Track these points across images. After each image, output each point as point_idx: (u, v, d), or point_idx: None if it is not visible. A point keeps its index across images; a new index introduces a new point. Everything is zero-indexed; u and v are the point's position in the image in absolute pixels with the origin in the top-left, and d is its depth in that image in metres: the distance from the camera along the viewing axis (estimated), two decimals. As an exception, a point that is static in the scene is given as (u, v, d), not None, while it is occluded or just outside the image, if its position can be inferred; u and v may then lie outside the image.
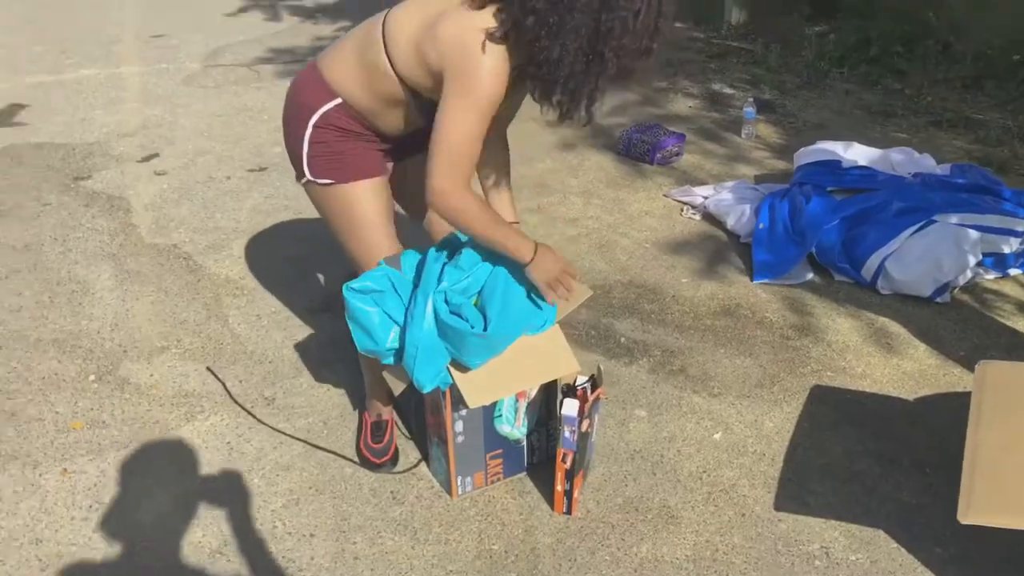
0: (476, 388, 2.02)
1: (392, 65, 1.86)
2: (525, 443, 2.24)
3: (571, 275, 2.02)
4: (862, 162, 3.56)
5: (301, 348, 2.83)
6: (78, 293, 3.14)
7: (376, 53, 1.87)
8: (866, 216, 3.16)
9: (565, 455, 2.09)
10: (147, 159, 4.30)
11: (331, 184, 2.01)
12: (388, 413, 2.40)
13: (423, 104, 1.90)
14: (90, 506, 2.21)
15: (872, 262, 3.08)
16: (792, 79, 5.50)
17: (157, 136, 4.60)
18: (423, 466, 2.33)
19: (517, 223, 2.21)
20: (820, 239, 3.18)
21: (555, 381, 2.20)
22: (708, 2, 6.77)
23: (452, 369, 2.01)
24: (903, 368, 2.74)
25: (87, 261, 3.35)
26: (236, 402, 2.57)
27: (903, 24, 5.66)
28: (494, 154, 2.17)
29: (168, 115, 4.91)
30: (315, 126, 1.97)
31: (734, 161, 4.27)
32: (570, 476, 2.12)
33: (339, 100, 1.95)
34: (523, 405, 2.18)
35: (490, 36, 1.72)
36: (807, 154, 3.66)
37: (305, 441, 2.42)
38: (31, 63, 5.92)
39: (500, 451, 2.21)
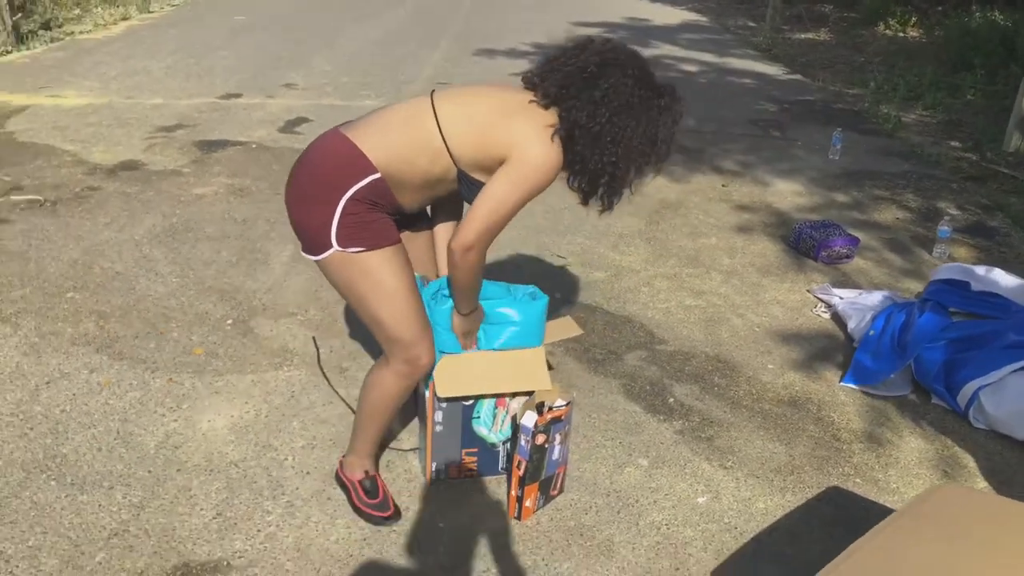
0: (449, 381, 2.31)
1: (447, 146, 2.05)
2: (501, 448, 2.47)
3: (472, 343, 2.33)
4: (1000, 289, 3.31)
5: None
6: (259, 261, 3.84)
7: (429, 133, 2.05)
8: (974, 341, 2.97)
9: (520, 462, 2.30)
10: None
11: (361, 252, 2.06)
12: (374, 467, 2.42)
13: (470, 182, 2.11)
14: (171, 408, 2.78)
15: (967, 390, 2.89)
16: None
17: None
18: (425, 450, 2.63)
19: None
20: (922, 356, 3.03)
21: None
22: (992, 127, 6.39)
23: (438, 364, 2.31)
24: (944, 497, 2.56)
25: (280, 239, 4.06)
26: (319, 365, 3.05)
27: None
28: (452, 208, 2.42)
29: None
30: (350, 199, 2.03)
31: (906, 275, 4.09)
32: (522, 483, 2.31)
33: (378, 175, 2.04)
34: (501, 412, 2.42)
35: (555, 135, 2.05)
36: (942, 271, 3.46)
37: (348, 406, 2.82)
38: (333, 88, 7.07)
39: (476, 449, 2.45)
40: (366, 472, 2.39)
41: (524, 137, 2.03)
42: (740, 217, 4.70)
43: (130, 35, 9.16)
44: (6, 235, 3.98)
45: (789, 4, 12.23)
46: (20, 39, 8.20)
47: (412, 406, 2.66)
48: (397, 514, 2.35)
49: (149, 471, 2.49)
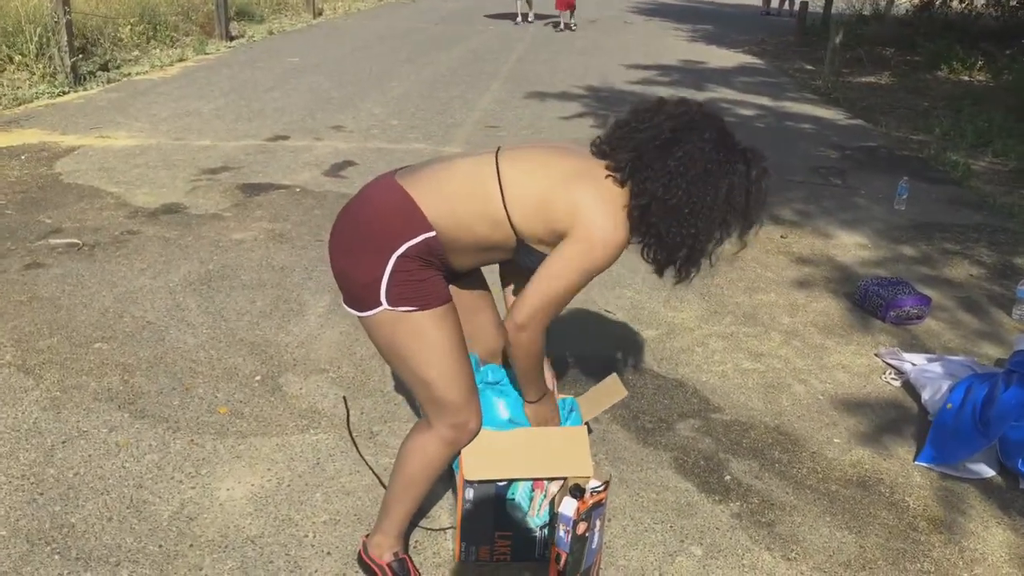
0: (478, 462, 2.10)
1: (508, 215, 1.90)
2: (538, 533, 2.24)
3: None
4: (1096, 362, 2.99)
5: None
6: (294, 312, 3.69)
7: (490, 201, 1.90)
8: (1068, 421, 2.67)
9: (559, 555, 2.07)
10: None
11: (411, 311, 1.92)
12: (403, 548, 2.23)
13: (527, 251, 1.96)
14: (190, 473, 2.61)
15: (1062, 476, 2.59)
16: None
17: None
18: (456, 529, 2.42)
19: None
20: (1008, 435, 2.74)
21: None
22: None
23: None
24: (1040, 603, 2.27)
25: (317, 290, 3.91)
26: (348, 429, 2.86)
27: None
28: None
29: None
30: (402, 255, 1.89)
31: (983, 339, 3.78)
32: (561, 577, 2.08)
33: (433, 234, 1.90)
34: (539, 496, 2.19)
35: (627, 213, 1.89)
36: (1029, 339, 3.16)
37: (377, 476, 2.62)
38: (380, 131, 6.99)
39: (510, 533, 2.23)
40: (395, 554, 2.18)
41: (589, 210, 1.87)
42: (800, 271, 4.44)
43: (184, 76, 9.24)
44: (41, 280, 3.90)
45: (848, 47, 11.94)
46: (78, 80, 8.30)
47: (447, 478, 2.45)
48: None
49: (160, 546, 2.31)
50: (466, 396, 2.02)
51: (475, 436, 2.07)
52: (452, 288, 2.13)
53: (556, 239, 1.91)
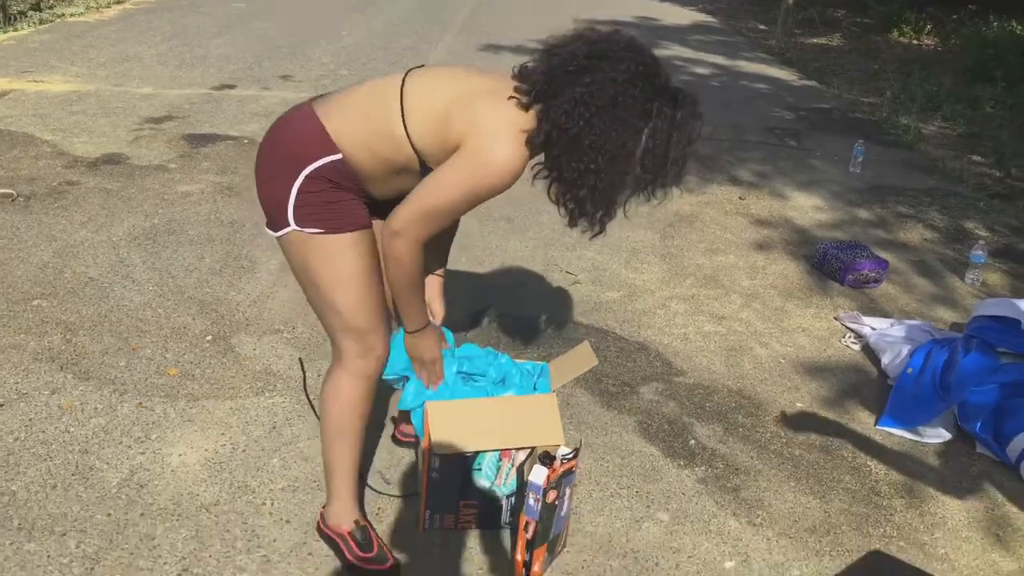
0: (447, 435, 2.04)
1: (408, 135, 1.81)
2: (505, 502, 2.19)
3: (436, 372, 2.09)
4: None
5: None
6: (244, 269, 3.56)
7: (390, 121, 1.81)
8: (1027, 387, 2.70)
9: (528, 524, 2.02)
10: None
11: (319, 234, 1.86)
12: (362, 514, 2.16)
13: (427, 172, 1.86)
14: (139, 438, 2.50)
15: (1019, 442, 2.62)
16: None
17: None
18: (420, 496, 2.36)
19: (432, 317, 2.23)
20: (967, 400, 2.77)
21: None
22: (1016, 141, 6.11)
23: (430, 410, 2.04)
24: (999, 567, 2.29)
25: (268, 246, 3.77)
26: (305, 392, 2.77)
27: None
28: (441, 248, 2.21)
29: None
30: (308, 176, 1.83)
31: (938, 303, 3.82)
32: (530, 546, 2.03)
33: (339, 156, 1.83)
34: (506, 465, 2.14)
35: (526, 139, 1.75)
36: (988, 306, 3.19)
37: (336, 441, 2.54)
38: (330, 82, 6.78)
39: (475, 502, 2.18)
40: (356, 522, 2.11)
41: (487, 128, 1.75)
42: (759, 233, 4.42)
43: (123, 19, 8.84)
44: (-27, 232, 3.69)
45: (801, 8, 11.93)
46: (7, 20, 7.88)
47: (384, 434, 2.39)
48: (397, 566, 2.07)
49: (109, 514, 2.20)
50: (374, 323, 1.95)
51: (383, 362, 2.01)
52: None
53: (450, 154, 1.80)
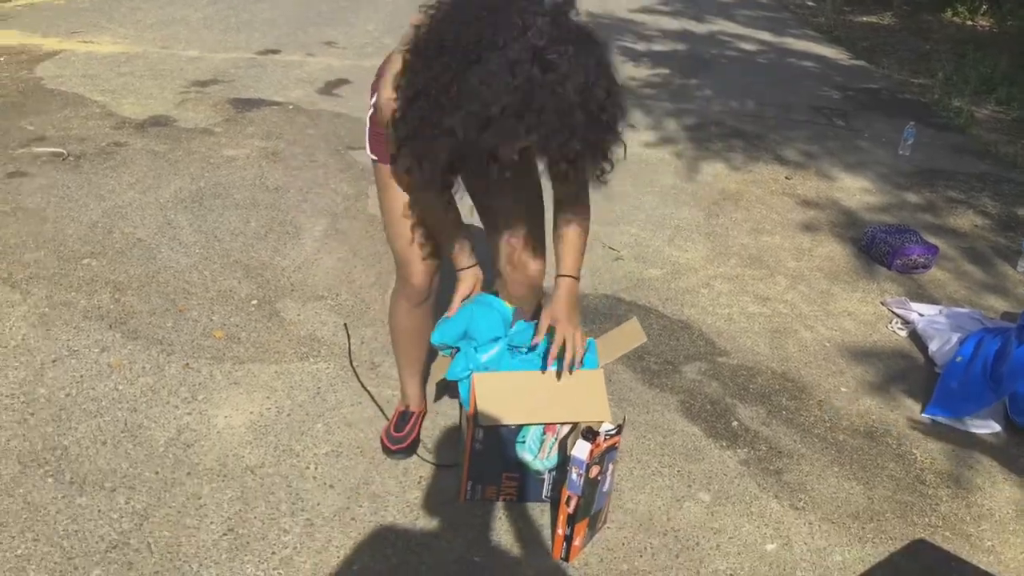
0: (492, 408, 2.04)
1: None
2: (547, 476, 2.19)
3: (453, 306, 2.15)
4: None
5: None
6: (289, 235, 3.57)
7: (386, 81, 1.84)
8: (1081, 380, 2.64)
9: (569, 498, 2.02)
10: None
11: (376, 162, 2.04)
12: (417, 406, 2.44)
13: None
14: (186, 398, 2.53)
15: (1071, 434, 2.57)
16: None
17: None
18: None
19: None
20: (1019, 392, 2.72)
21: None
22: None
23: (477, 381, 2.04)
24: (1046, 561, 2.26)
25: (313, 212, 3.78)
26: (349, 358, 2.78)
27: None
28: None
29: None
30: (373, 105, 1.97)
31: (989, 291, 3.74)
32: (571, 521, 2.04)
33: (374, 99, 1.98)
34: (550, 439, 2.14)
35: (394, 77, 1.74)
36: (1044, 295, 3.12)
37: (379, 407, 2.56)
38: (374, 49, 6.75)
39: (517, 474, 2.18)
40: (407, 406, 2.43)
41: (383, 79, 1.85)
42: (805, 214, 4.36)
43: (170, -19, 8.85)
44: (25, 190, 3.74)
45: (852, -16, 11.68)
46: (57, -20, 7.92)
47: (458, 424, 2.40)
48: (407, 451, 2.35)
49: (156, 472, 2.24)
50: (409, 257, 2.10)
51: (418, 292, 2.16)
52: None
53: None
